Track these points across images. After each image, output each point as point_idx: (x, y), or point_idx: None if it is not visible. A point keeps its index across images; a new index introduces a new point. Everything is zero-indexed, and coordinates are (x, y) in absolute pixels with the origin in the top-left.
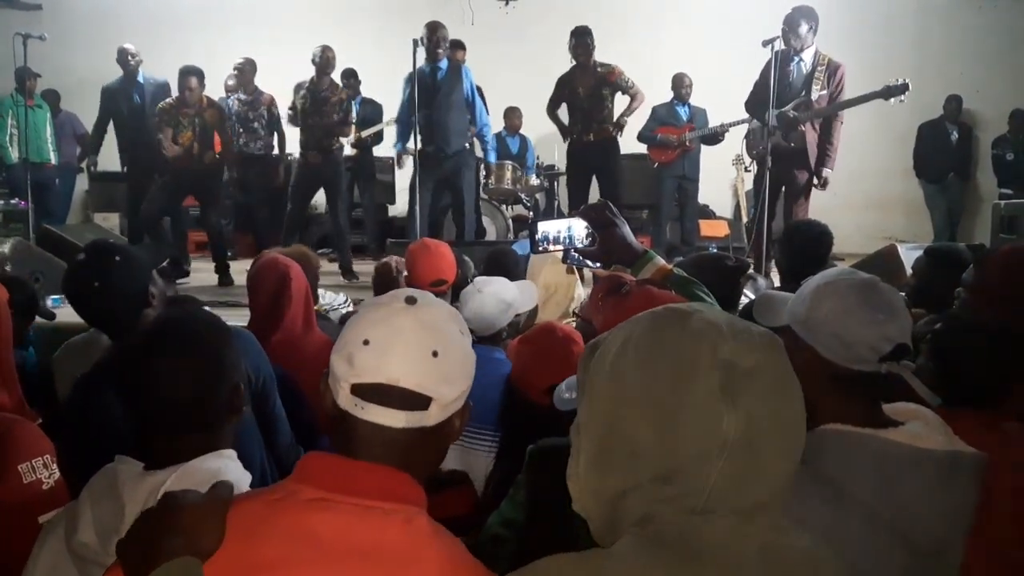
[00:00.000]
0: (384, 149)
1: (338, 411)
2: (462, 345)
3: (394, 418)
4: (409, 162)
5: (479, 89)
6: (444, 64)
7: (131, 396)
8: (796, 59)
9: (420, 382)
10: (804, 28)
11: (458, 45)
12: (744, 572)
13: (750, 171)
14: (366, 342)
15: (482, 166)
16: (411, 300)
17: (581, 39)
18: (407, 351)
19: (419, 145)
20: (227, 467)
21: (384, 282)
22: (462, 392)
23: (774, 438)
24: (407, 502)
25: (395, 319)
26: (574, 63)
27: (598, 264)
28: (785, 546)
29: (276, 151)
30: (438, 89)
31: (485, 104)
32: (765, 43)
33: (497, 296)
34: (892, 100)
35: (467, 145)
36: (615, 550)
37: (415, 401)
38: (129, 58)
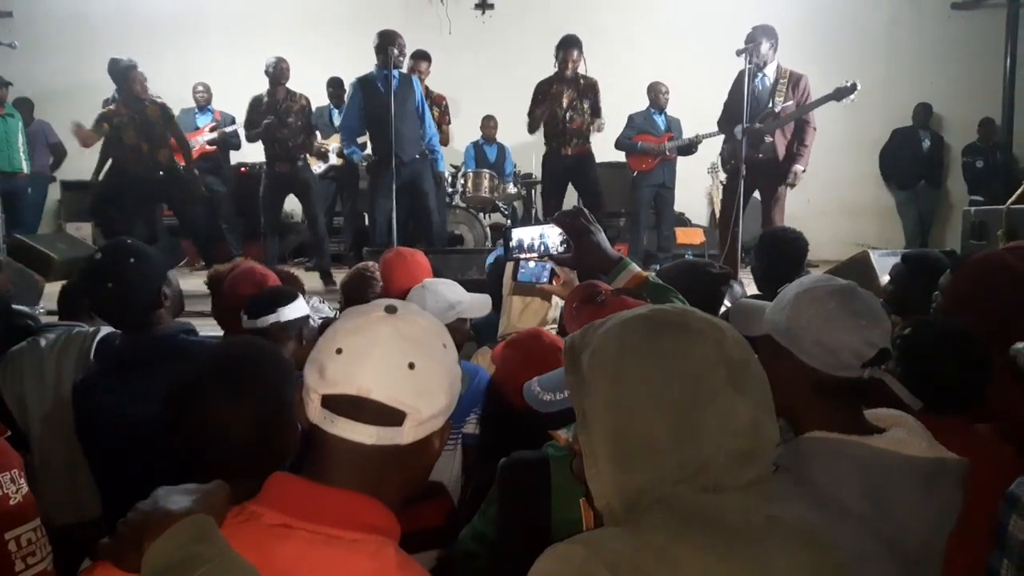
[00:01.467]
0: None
1: (309, 425)
2: (444, 359)
3: (364, 433)
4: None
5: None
6: (397, 73)
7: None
8: (760, 75)
9: (393, 395)
10: (765, 45)
11: (422, 56)
12: (759, 540)
13: (723, 184)
14: (339, 351)
15: (460, 175)
16: (391, 309)
17: (571, 50)
18: (381, 361)
19: (371, 153)
20: None
21: (357, 287)
22: (441, 409)
23: (769, 416)
24: (375, 531)
25: (372, 328)
26: (556, 71)
27: (545, 280)
28: (786, 514)
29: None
30: (392, 97)
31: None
32: (739, 52)
33: (440, 295)
34: (844, 101)
35: (418, 155)
36: (646, 524)
37: (387, 416)
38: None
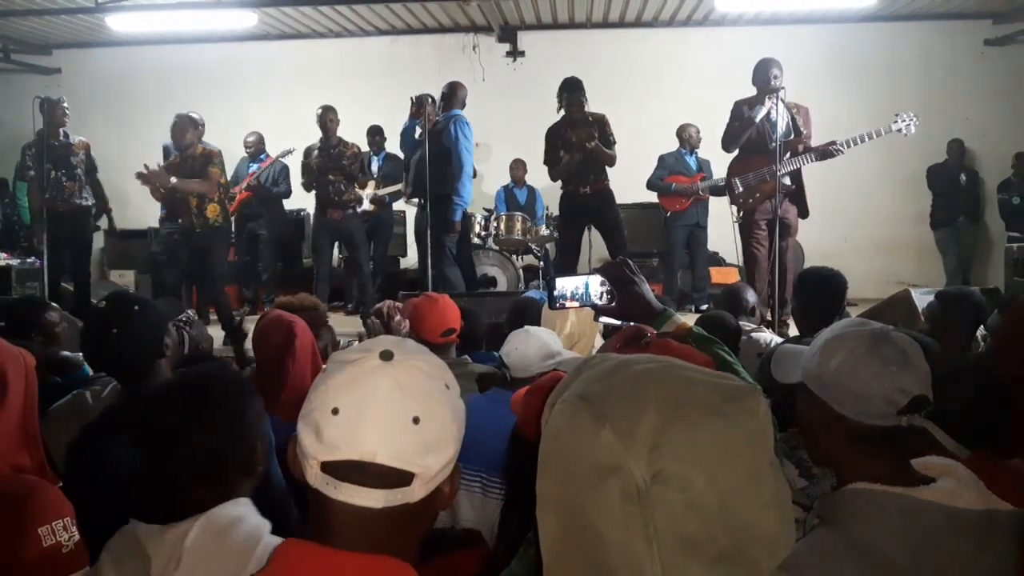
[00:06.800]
0: (398, 203)
1: (307, 485)
2: (449, 404)
3: (372, 498)
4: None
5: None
6: (443, 118)
7: (145, 448)
8: (771, 105)
9: (400, 456)
10: (776, 74)
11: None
12: None
13: (737, 222)
14: (335, 411)
15: (493, 218)
16: (387, 355)
17: (575, 94)
18: (383, 420)
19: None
20: (247, 514)
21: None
22: (450, 458)
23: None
24: None
25: (368, 380)
26: (563, 114)
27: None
28: None
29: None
30: (420, 143)
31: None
32: (771, 91)
33: (543, 340)
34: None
35: (444, 193)
36: None
37: (395, 478)
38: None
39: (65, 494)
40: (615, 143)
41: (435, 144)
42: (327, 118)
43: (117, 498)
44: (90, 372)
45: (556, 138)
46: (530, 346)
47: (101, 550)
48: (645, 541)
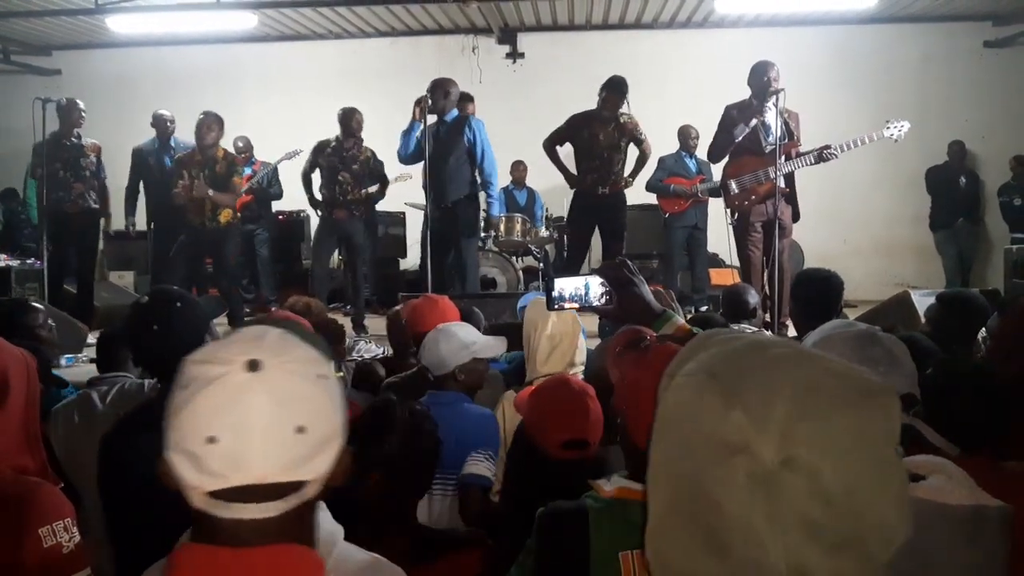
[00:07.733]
0: (394, 203)
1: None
2: (328, 395)
3: (267, 510)
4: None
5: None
6: (449, 117)
7: None
8: (766, 108)
9: (289, 468)
10: (774, 77)
11: (466, 98)
12: None
13: (732, 224)
14: (212, 439)
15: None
16: (254, 365)
17: (614, 94)
18: (267, 441)
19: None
20: (322, 519)
21: (397, 330)
22: (339, 446)
23: None
24: None
25: (241, 401)
26: (598, 110)
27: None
28: None
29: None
30: (438, 141)
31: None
32: (771, 94)
33: (454, 336)
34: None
35: (463, 197)
36: None
37: (288, 488)
38: (168, 124)
39: (97, 489)
40: (644, 139)
41: (451, 147)
42: (353, 118)
43: (142, 495)
44: (72, 389)
45: (574, 128)
46: (439, 345)
47: (123, 545)
48: (767, 520)
